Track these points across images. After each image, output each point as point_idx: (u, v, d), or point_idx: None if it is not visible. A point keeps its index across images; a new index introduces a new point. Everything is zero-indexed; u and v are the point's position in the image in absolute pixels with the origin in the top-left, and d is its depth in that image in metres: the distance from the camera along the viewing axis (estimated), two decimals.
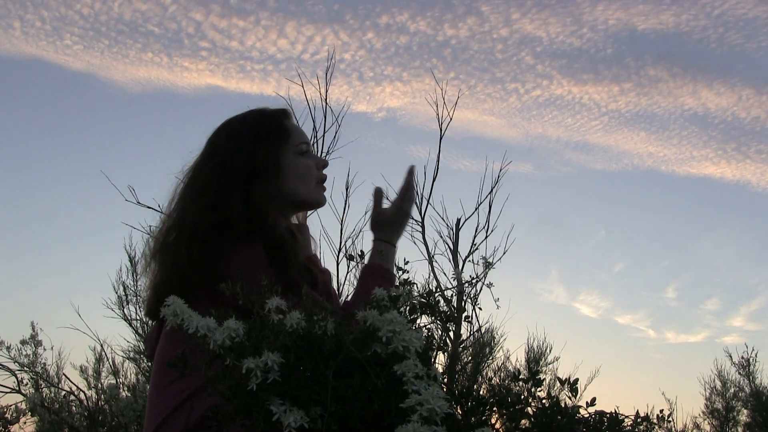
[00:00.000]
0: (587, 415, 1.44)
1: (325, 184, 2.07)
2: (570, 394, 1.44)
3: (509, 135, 8.48)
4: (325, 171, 2.07)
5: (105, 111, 8.60)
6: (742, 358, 6.46)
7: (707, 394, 6.54)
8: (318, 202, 2.05)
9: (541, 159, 8.72)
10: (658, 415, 1.52)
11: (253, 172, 1.91)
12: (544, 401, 1.41)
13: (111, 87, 8.18)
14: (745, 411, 6.46)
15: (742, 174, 9.14)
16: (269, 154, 1.94)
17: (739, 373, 6.50)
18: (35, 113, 8.65)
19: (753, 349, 6.50)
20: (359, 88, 7.51)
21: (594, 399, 1.42)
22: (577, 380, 1.42)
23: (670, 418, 5.94)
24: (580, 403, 1.46)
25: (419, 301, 1.34)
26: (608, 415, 1.42)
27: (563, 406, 1.37)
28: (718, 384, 6.55)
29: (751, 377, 6.45)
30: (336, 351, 1.19)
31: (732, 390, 6.50)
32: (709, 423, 6.37)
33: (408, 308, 1.35)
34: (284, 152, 1.98)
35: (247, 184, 1.89)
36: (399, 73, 7.68)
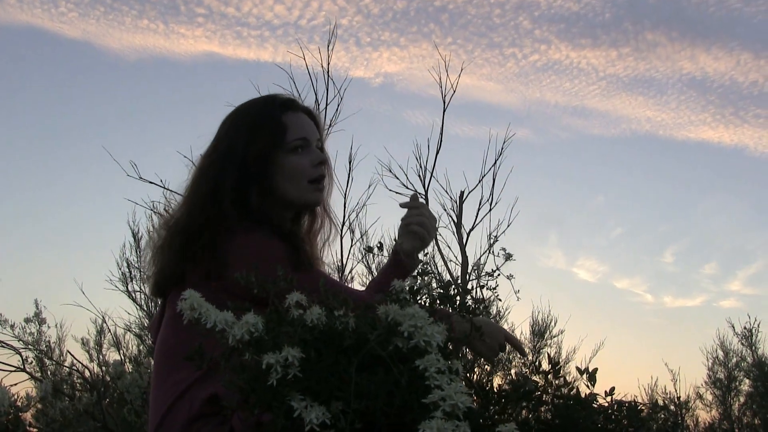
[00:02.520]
0: (605, 403, 1.44)
1: (321, 183, 1.98)
2: (588, 384, 1.44)
3: (507, 100, 8.45)
4: (321, 166, 1.97)
5: (101, 79, 8.52)
6: (745, 328, 6.49)
7: (710, 364, 6.59)
8: (307, 204, 1.99)
9: (539, 124, 8.72)
10: (675, 403, 1.52)
11: (245, 171, 1.88)
12: (562, 389, 1.41)
13: (107, 55, 8.11)
14: (747, 381, 6.50)
15: (740, 138, 9.15)
16: (260, 155, 1.89)
17: (742, 344, 6.53)
18: (30, 83, 8.57)
19: (756, 320, 6.53)
20: (356, 54, 7.47)
21: (612, 388, 1.42)
22: (596, 370, 1.42)
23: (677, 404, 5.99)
24: (597, 393, 1.46)
25: (439, 294, 1.33)
26: (627, 405, 1.42)
27: (583, 397, 1.37)
28: (721, 354, 6.59)
29: (753, 347, 6.49)
30: (358, 346, 1.18)
31: (734, 360, 6.54)
32: (711, 393, 6.42)
33: (428, 300, 1.34)
34: (277, 151, 1.92)
35: (239, 183, 1.87)
36: (396, 38, 7.63)
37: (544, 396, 1.42)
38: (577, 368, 1.41)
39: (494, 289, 1.44)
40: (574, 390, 1.43)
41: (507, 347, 1.80)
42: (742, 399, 6.38)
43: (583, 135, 9.11)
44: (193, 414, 1.70)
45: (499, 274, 1.48)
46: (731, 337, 6.63)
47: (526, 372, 1.42)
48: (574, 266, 9.46)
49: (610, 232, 9.68)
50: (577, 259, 9.60)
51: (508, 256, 1.44)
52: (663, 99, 8.83)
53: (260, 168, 1.89)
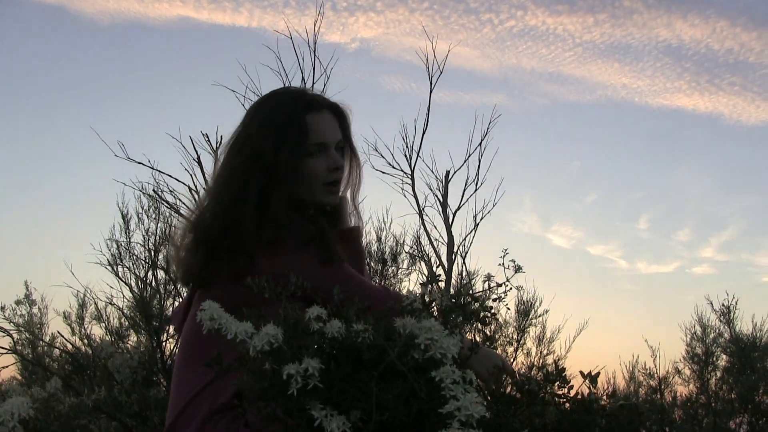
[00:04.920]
0: (606, 405, 1.51)
1: (336, 186, 2.01)
2: (590, 386, 1.51)
3: (483, 66, 8.47)
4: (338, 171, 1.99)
5: (76, 45, 8.38)
6: (723, 305, 6.65)
7: (688, 339, 6.74)
8: (322, 204, 2.01)
9: (515, 90, 8.76)
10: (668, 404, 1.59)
11: (273, 176, 1.89)
12: (567, 394, 1.48)
13: (81, 20, 7.94)
14: (724, 356, 6.67)
15: (715, 106, 9.26)
16: (287, 159, 1.90)
17: (720, 320, 6.69)
18: (3, 50, 8.43)
19: (733, 297, 6.68)
20: (332, 19, 7.44)
21: (614, 392, 1.48)
22: (598, 374, 1.48)
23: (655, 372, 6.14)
24: (598, 394, 1.53)
25: (451, 305, 1.38)
26: (627, 406, 1.49)
27: (587, 400, 1.43)
28: (699, 330, 6.74)
29: (731, 324, 6.65)
30: (377, 360, 1.23)
31: (712, 336, 6.70)
32: (689, 368, 6.58)
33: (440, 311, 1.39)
34: (297, 154, 1.93)
35: (265, 188, 1.88)
36: (372, 3, 7.61)
37: (547, 398, 1.49)
38: (581, 372, 1.47)
39: (503, 299, 1.49)
40: (575, 391, 1.49)
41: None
42: (719, 374, 6.55)
43: (559, 101, 9.16)
44: (215, 407, 1.75)
45: (510, 288, 1.53)
46: (709, 313, 6.79)
47: (531, 374, 1.48)
48: (548, 232, 9.58)
49: (584, 198, 9.82)
50: (552, 225, 9.73)
51: (518, 268, 1.49)
52: (639, 66, 8.92)
53: (286, 172, 1.90)
